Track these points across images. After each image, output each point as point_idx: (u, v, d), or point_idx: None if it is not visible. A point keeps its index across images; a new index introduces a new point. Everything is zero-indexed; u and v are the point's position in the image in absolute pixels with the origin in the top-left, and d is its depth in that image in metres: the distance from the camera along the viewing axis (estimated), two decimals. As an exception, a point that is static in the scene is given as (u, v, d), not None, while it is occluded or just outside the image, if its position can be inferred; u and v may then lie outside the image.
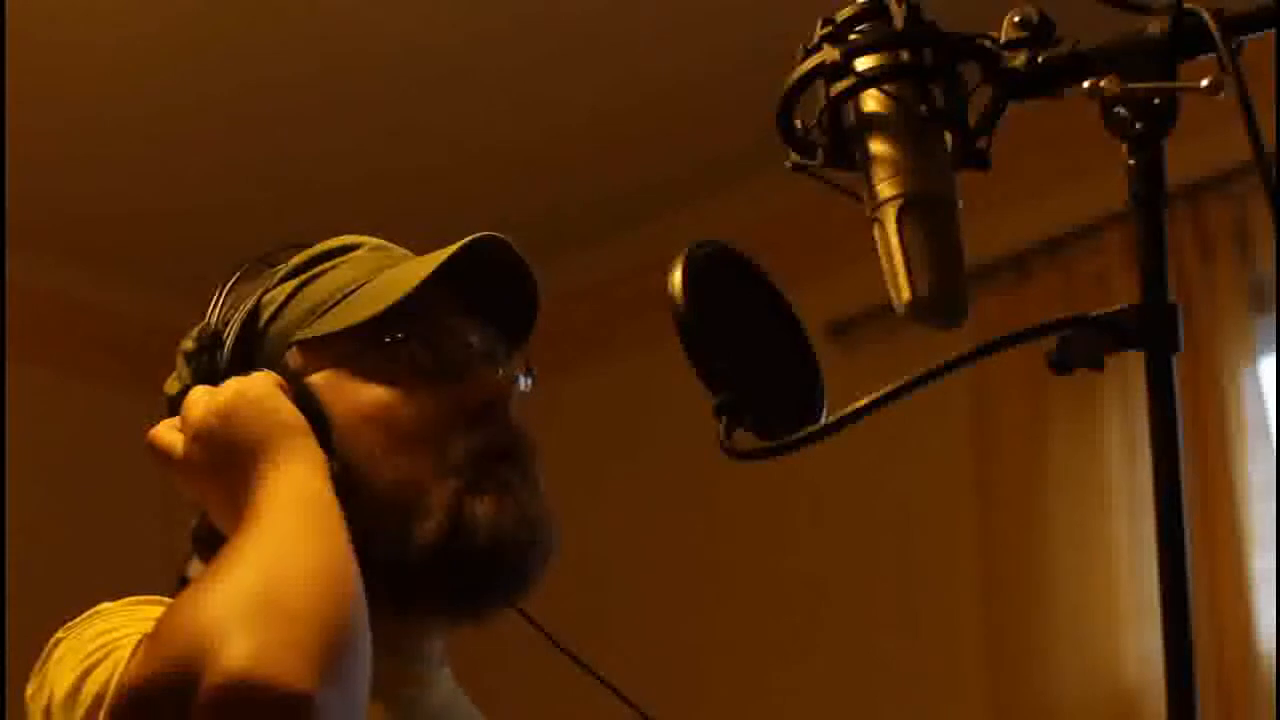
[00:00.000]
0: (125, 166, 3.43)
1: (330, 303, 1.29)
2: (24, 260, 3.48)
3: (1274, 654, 2.66)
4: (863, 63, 1.04)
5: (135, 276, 3.76)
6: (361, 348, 1.27)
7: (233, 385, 1.22)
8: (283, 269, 1.33)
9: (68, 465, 3.66)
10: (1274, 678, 2.65)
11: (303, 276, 1.32)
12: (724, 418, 1.03)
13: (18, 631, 3.05)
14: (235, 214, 3.40)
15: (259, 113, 3.28)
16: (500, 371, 1.31)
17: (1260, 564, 2.74)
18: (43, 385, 3.62)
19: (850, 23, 1.05)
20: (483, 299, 1.32)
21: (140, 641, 1.07)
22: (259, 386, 1.22)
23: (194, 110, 3.25)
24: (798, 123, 1.07)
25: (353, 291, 1.29)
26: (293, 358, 1.28)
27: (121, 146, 3.36)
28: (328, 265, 1.32)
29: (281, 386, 1.23)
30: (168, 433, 1.25)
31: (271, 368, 1.25)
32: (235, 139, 3.35)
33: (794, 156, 1.08)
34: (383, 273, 1.30)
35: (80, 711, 1.11)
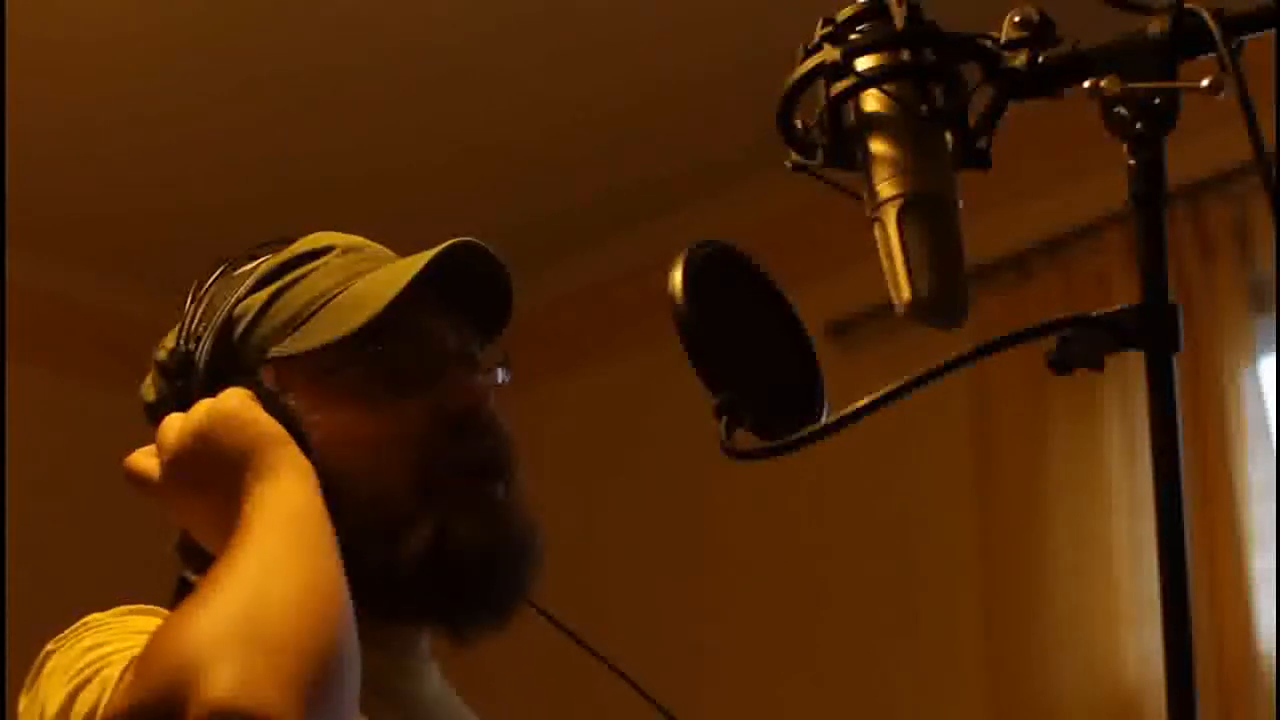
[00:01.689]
0: (125, 166, 3.43)
1: (304, 316, 1.28)
2: (24, 260, 3.48)
3: (1274, 654, 2.66)
4: (863, 63, 1.04)
5: (135, 276, 3.75)
6: (338, 362, 1.27)
7: (205, 404, 1.21)
8: (255, 275, 1.32)
9: (67, 466, 3.66)
10: (1274, 678, 2.65)
11: (276, 285, 1.30)
12: (724, 418, 1.03)
13: (17, 632, 3.05)
14: (235, 214, 3.39)
15: (258, 112, 3.28)
16: (478, 372, 1.31)
17: (1260, 564, 2.74)
18: (43, 385, 3.62)
19: (850, 23, 1.05)
20: (456, 297, 1.31)
21: (129, 664, 1.07)
22: (232, 401, 1.20)
23: (194, 110, 3.26)
24: (798, 123, 1.07)
25: (327, 302, 1.28)
26: (268, 375, 1.27)
27: (121, 146, 3.36)
28: (301, 272, 1.31)
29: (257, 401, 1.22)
30: (144, 459, 1.24)
31: (247, 383, 1.24)
32: (235, 139, 3.36)
33: (794, 156, 1.07)
34: (357, 280, 1.30)
35: None
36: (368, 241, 1.37)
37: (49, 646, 1.19)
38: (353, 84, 3.22)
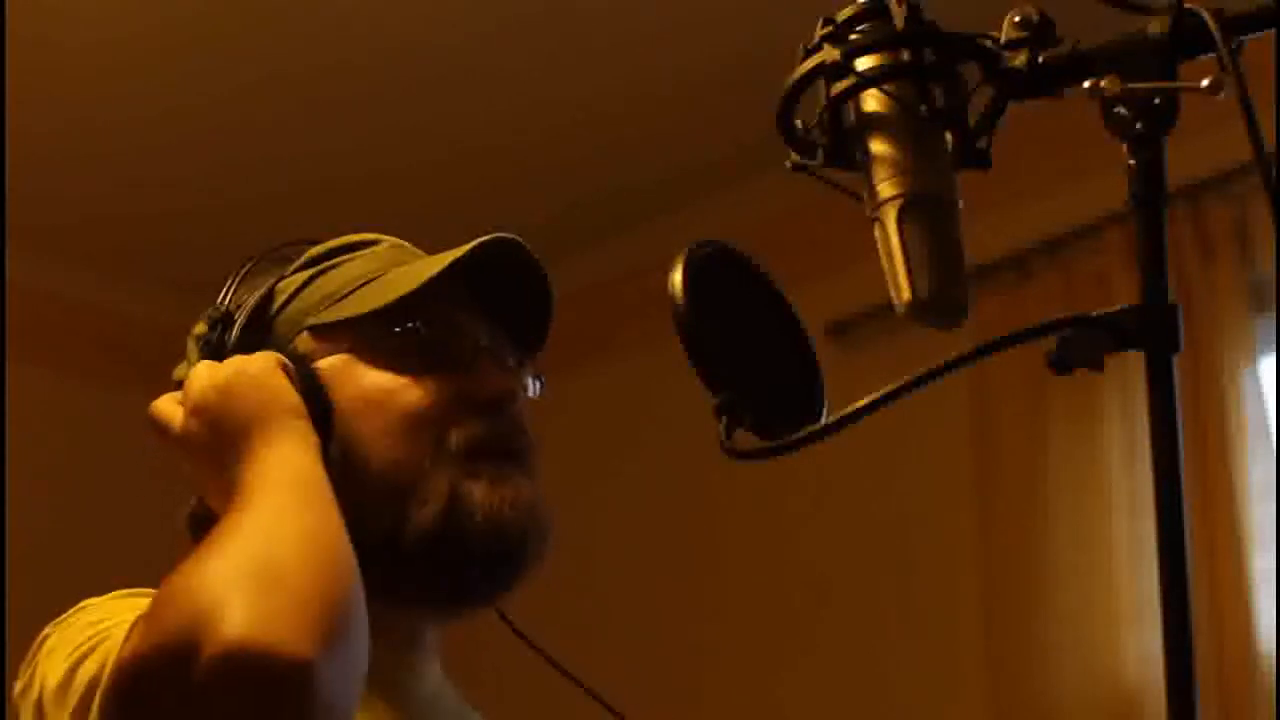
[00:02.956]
0: (125, 166, 3.43)
1: (343, 292, 1.30)
2: (24, 260, 3.48)
3: (1274, 654, 2.66)
4: (863, 63, 1.04)
5: (135, 276, 3.76)
6: (371, 336, 1.28)
7: (234, 362, 1.23)
8: (299, 260, 1.34)
9: (68, 465, 3.66)
10: (1274, 678, 2.65)
11: (319, 267, 1.33)
12: (724, 418, 1.03)
13: (17, 632, 3.05)
14: (235, 214, 3.40)
15: (258, 112, 3.28)
16: (510, 373, 1.32)
17: (1260, 564, 2.74)
18: (43, 385, 3.62)
19: (850, 23, 1.05)
20: (497, 302, 1.32)
21: (135, 622, 1.07)
22: (259, 364, 1.22)
23: (194, 110, 3.26)
24: (798, 123, 1.07)
25: (367, 282, 1.30)
26: (302, 342, 1.29)
27: (121, 146, 3.36)
28: (344, 258, 1.33)
29: (285, 367, 1.23)
30: (169, 406, 1.25)
31: (280, 351, 1.25)
32: (235, 139, 3.36)
33: (794, 156, 1.08)
34: (398, 267, 1.31)
35: (73, 700, 1.11)
36: (412, 245, 1.38)
37: (46, 630, 1.20)
38: (353, 84, 3.22)
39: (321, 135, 3.36)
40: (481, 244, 1.28)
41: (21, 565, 3.31)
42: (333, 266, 1.32)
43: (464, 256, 1.27)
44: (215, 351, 1.26)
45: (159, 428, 1.24)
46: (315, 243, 1.36)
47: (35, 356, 3.59)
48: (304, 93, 3.23)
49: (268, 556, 1.04)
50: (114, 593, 1.22)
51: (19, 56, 3.01)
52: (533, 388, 1.35)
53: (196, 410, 1.21)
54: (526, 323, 1.35)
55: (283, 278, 1.32)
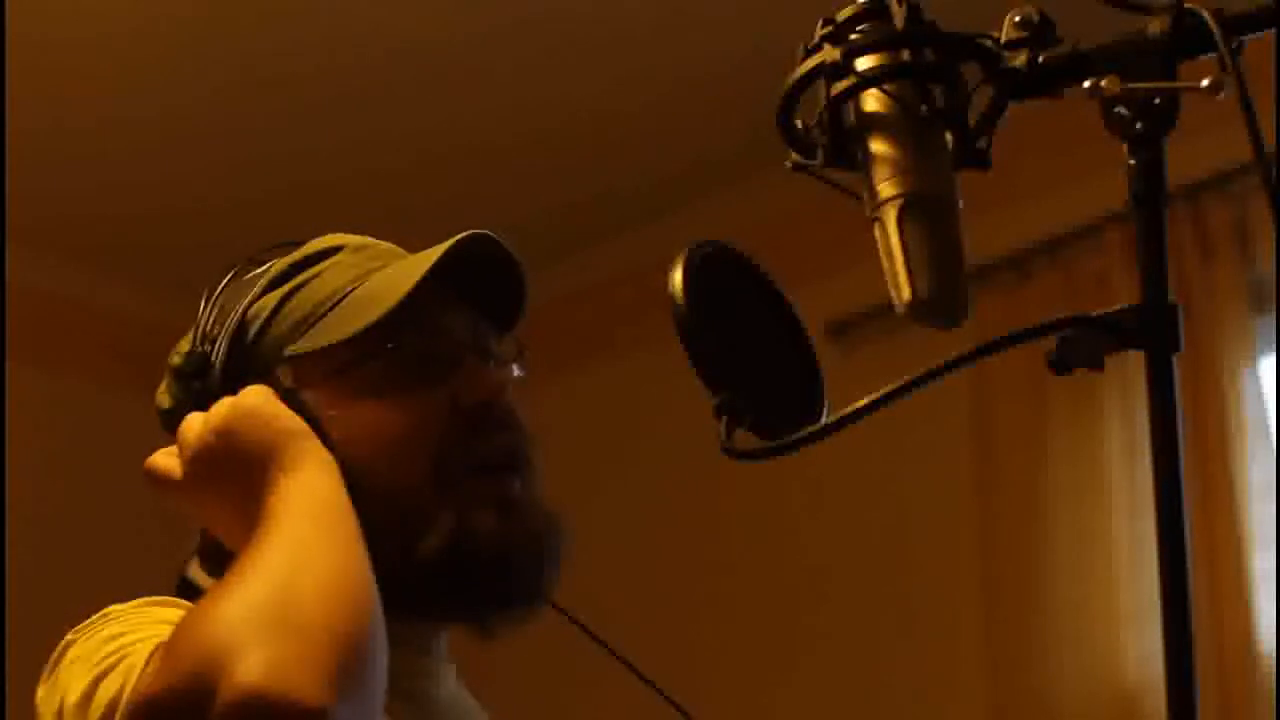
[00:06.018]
0: (125, 166, 3.43)
1: (318, 314, 1.29)
2: (24, 260, 3.48)
3: (1274, 654, 2.66)
4: (863, 63, 1.04)
5: (135, 276, 3.76)
6: (353, 359, 1.27)
7: (226, 402, 1.21)
8: (266, 276, 1.32)
9: (67, 466, 3.66)
10: (1274, 678, 2.65)
11: (288, 285, 1.31)
12: (724, 418, 1.03)
13: (18, 632, 3.06)
14: (235, 214, 3.40)
15: (258, 112, 3.28)
16: (494, 365, 1.31)
17: (1260, 564, 2.74)
18: (43, 385, 3.62)
19: (850, 23, 1.05)
20: (471, 290, 1.31)
21: (155, 650, 1.07)
22: (253, 397, 1.21)
23: (194, 110, 3.26)
24: (798, 123, 1.07)
25: (340, 300, 1.29)
26: (284, 373, 1.27)
27: (121, 146, 3.36)
28: (313, 272, 1.31)
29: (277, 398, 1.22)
30: (165, 459, 1.24)
31: (264, 382, 1.24)
32: (234, 138, 3.36)
33: (794, 156, 1.08)
34: (369, 276, 1.30)
35: (94, 718, 1.10)
36: (376, 240, 1.37)
37: (69, 636, 1.19)
38: (352, 84, 3.22)
39: (321, 134, 3.36)
40: (451, 248, 1.27)
41: (21, 565, 3.31)
42: (302, 285, 1.30)
43: (435, 264, 1.26)
44: (200, 398, 1.26)
45: (158, 481, 1.23)
46: (287, 246, 1.35)
47: (35, 356, 3.59)
48: (304, 92, 3.23)
49: (287, 597, 1.03)
50: (137, 600, 1.21)
51: (19, 56, 3.01)
52: (517, 368, 1.34)
53: (198, 457, 1.20)
54: (502, 302, 1.34)
55: (253, 301, 1.30)
